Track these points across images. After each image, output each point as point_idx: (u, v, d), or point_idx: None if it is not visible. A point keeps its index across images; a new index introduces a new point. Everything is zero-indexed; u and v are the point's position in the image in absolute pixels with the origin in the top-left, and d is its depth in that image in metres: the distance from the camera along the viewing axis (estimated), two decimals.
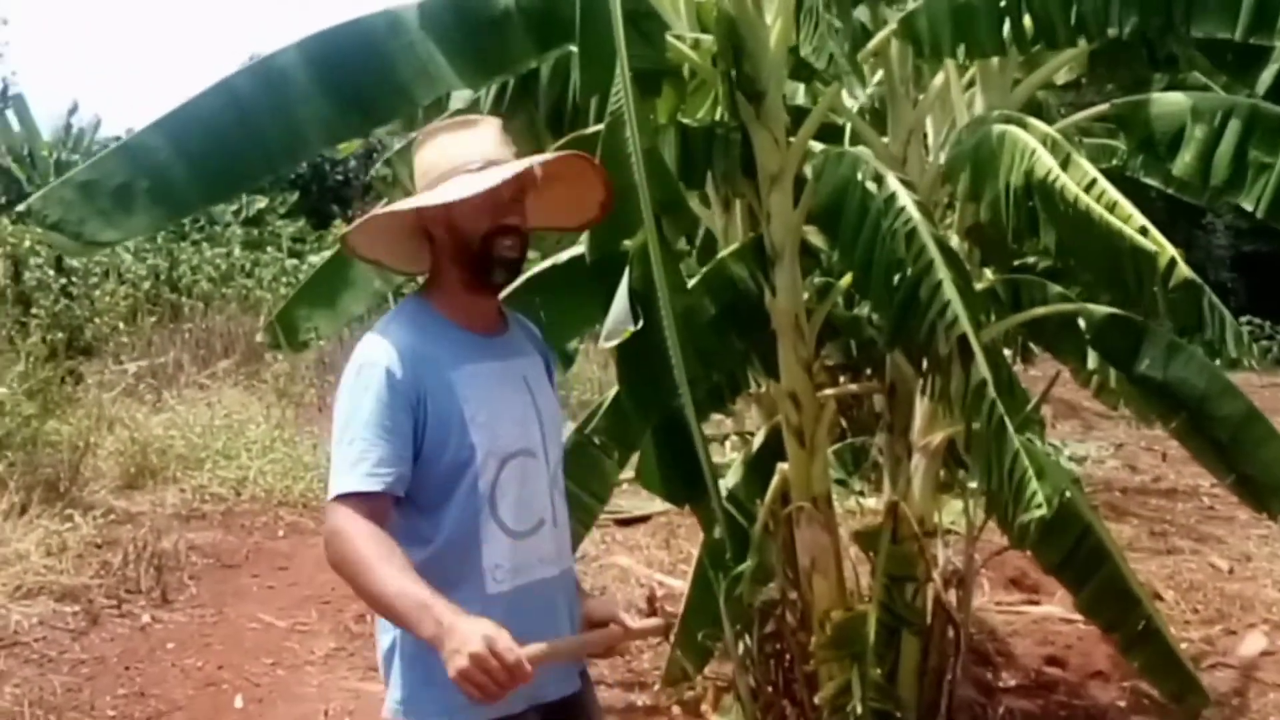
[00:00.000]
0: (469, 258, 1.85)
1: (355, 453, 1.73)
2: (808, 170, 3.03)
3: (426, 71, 2.69)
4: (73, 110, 18.32)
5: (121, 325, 10.12)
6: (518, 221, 1.86)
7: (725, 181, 3.08)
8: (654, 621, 2.32)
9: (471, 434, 1.79)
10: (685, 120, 3.03)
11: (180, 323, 11.61)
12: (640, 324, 2.60)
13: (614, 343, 2.71)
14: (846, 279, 3.19)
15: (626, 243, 2.66)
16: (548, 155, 1.89)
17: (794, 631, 3.43)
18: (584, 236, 2.66)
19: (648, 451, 3.03)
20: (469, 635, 1.52)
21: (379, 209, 1.98)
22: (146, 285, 12.61)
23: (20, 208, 2.63)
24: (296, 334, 3.85)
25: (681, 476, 2.84)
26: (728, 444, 7.53)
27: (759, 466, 3.51)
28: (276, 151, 2.68)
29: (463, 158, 1.84)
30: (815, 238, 3.24)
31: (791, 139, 3.00)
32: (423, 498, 1.80)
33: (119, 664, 4.60)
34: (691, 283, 3.01)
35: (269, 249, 16.25)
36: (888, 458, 3.42)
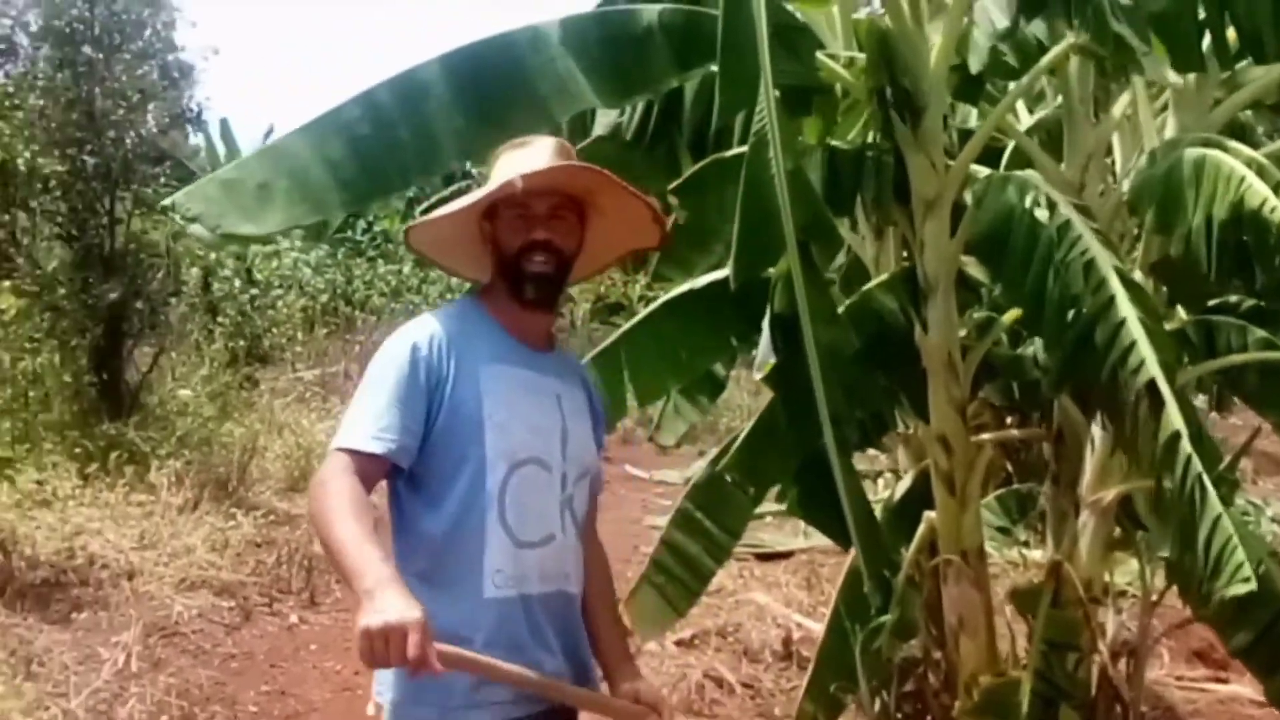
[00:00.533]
0: (504, 270, 1.87)
1: (363, 412, 1.75)
2: (967, 196, 2.80)
3: (565, 88, 2.64)
4: (268, 133, 19.40)
5: (298, 335, 10.61)
6: (548, 237, 1.83)
7: (875, 207, 2.89)
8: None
9: (486, 430, 1.77)
10: (834, 142, 2.86)
11: (353, 335, 12.08)
12: (783, 355, 2.47)
13: (761, 374, 2.59)
14: (1010, 315, 2.95)
15: (771, 270, 2.53)
16: (545, 167, 1.83)
17: (936, 693, 3.21)
18: (729, 261, 2.54)
19: (798, 485, 2.86)
20: (394, 606, 1.50)
21: (437, 213, 1.97)
22: (324, 298, 13.22)
23: (165, 202, 2.72)
24: None
25: (837, 514, 2.67)
26: (880, 482, 7.25)
27: (904, 512, 3.29)
28: (412, 162, 2.67)
29: (510, 172, 1.84)
30: (974, 269, 3.01)
31: (950, 162, 2.78)
32: (430, 486, 1.79)
33: (265, 661, 4.79)
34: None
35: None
36: (1052, 512, 3.14)
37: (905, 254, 3.03)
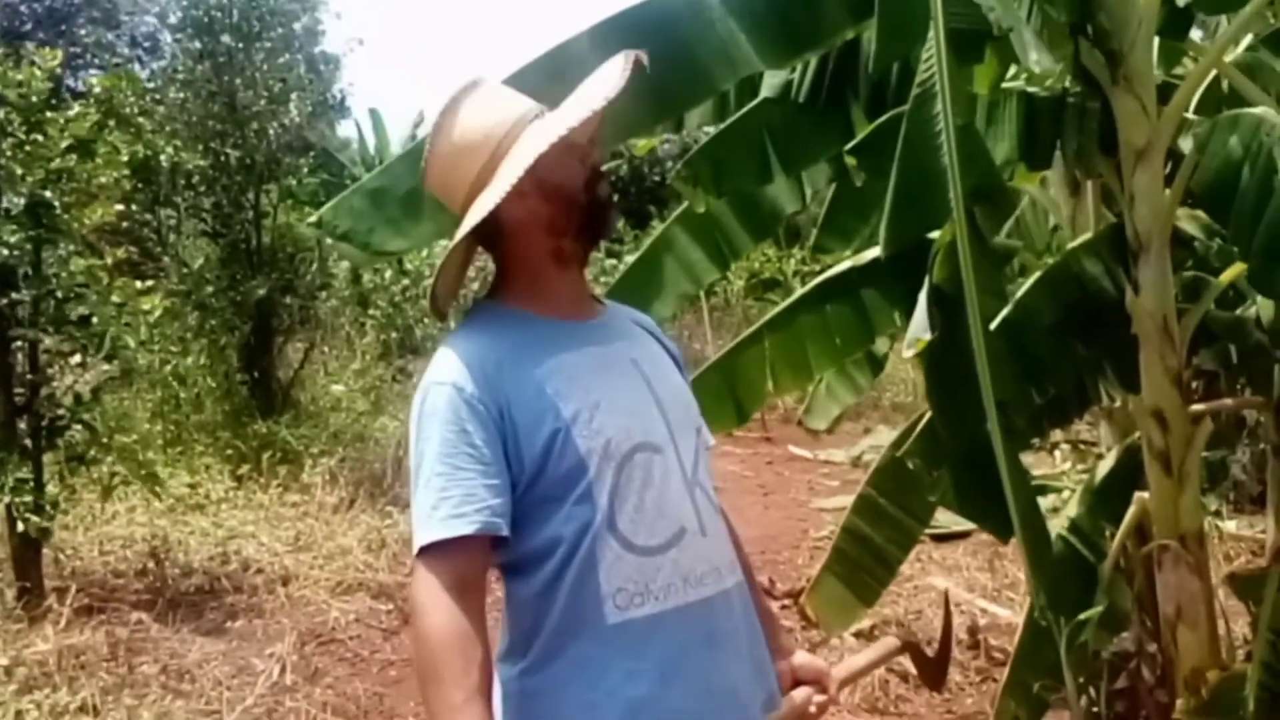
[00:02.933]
0: (574, 213, 1.61)
1: (435, 493, 1.48)
2: (1181, 144, 2.65)
3: (726, 53, 2.57)
4: (418, 122, 19.79)
5: (450, 325, 10.87)
6: (599, 160, 1.66)
7: (1078, 160, 2.76)
8: (885, 644, 2.01)
9: (576, 436, 1.52)
10: (1031, 89, 2.74)
11: None
12: (940, 332, 2.36)
13: (912, 353, 2.47)
14: (1229, 273, 2.78)
15: (933, 235, 2.43)
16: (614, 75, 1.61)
17: (1151, 689, 3.08)
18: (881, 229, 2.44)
19: (955, 474, 2.75)
20: None
21: (465, 227, 1.62)
22: (475, 286, 13.48)
23: (311, 219, 2.75)
24: None
25: (999, 508, 2.56)
26: (1057, 453, 6.99)
27: (1110, 493, 3.14)
28: None
29: (509, 113, 1.62)
30: (1189, 224, 2.85)
31: (1164, 106, 2.63)
32: (524, 524, 1.53)
33: None
34: (1029, 282, 2.72)
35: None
36: (1273, 487, 2.96)
37: (1110, 210, 2.88)
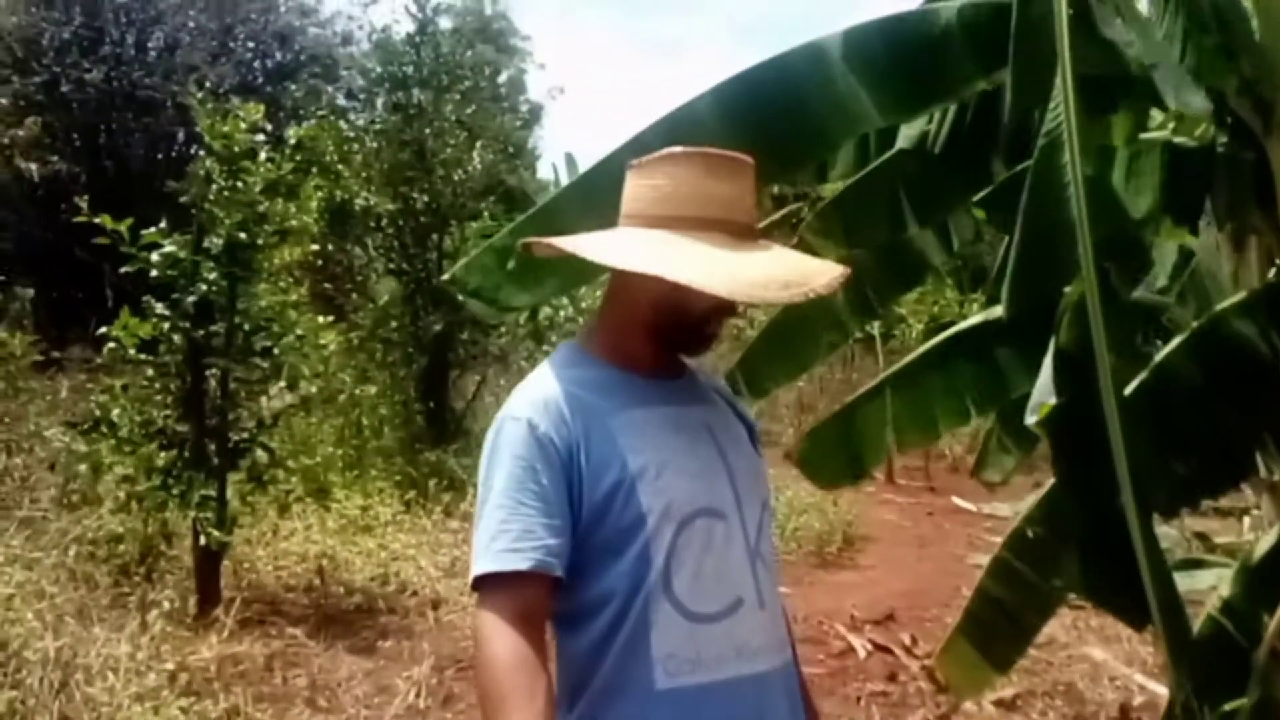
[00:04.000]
0: (676, 324, 1.60)
1: (494, 525, 1.47)
2: None
3: (844, 108, 2.46)
4: None
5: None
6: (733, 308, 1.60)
7: (1230, 214, 2.52)
8: None
9: (640, 491, 1.48)
10: (1177, 139, 2.53)
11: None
12: (1066, 397, 2.17)
13: (1035, 419, 2.27)
14: None
15: (1065, 290, 2.25)
16: (824, 286, 1.53)
17: None
18: (1004, 286, 2.27)
19: (1082, 553, 2.52)
20: None
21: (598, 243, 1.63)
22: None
23: (445, 277, 2.80)
24: (759, 384, 3.81)
25: (1132, 590, 2.31)
26: (1246, 520, 6.41)
27: (1269, 573, 2.83)
28: None
29: (725, 209, 1.57)
30: None
31: None
32: (579, 573, 1.50)
33: None
34: (1172, 344, 2.49)
35: None
36: None
37: (1271, 268, 2.62)
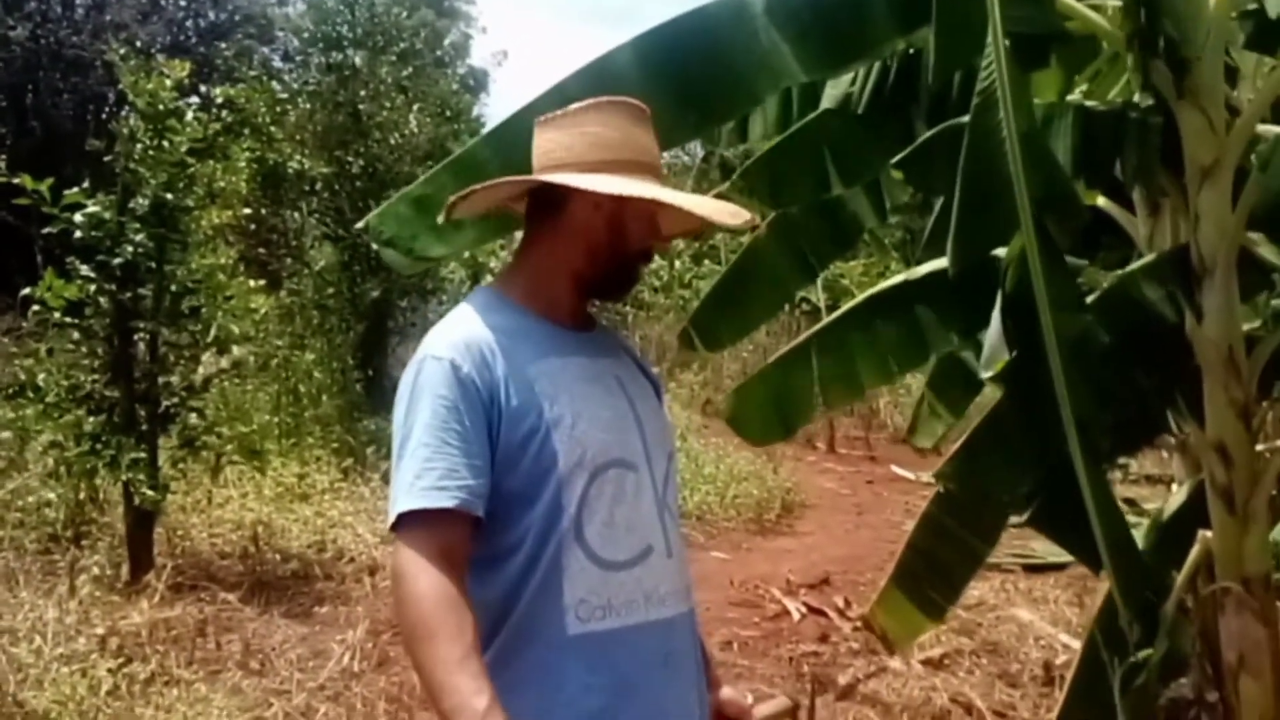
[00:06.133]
0: (606, 263, 1.64)
1: (418, 463, 1.45)
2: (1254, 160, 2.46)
3: (768, 63, 2.48)
4: None
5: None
6: (664, 248, 1.68)
7: (1139, 176, 2.58)
8: (777, 703, 2.00)
9: (555, 439, 1.50)
10: (1089, 102, 2.58)
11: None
12: (1018, 350, 2.23)
13: (990, 373, 2.34)
14: None
15: (1000, 250, 2.29)
16: (711, 208, 1.68)
17: None
18: (949, 243, 2.31)
19: (1040, 499, 2.60)
20: None
21: (549, 175, 1.64)
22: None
23: (359, 225, 2.77)
24: (712, 338, 3.85)
25: (1086, 533, 2.38)
26: (1174, 487, 6.61)
27: (1177, 529, 2.92)
28: None
29: (649, 155, 1.65)
30: (1267, 249, 2.63)
31: (1233, 120, 2.44)
32: (493, 519, 1.50)
33: None
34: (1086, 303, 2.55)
35: (706, 262, 16.93)
36: None
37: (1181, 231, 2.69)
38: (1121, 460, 5.46)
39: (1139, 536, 3.04)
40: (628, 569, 1.54)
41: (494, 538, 1.52)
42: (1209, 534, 2.68)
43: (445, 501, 1.44)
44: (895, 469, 9.84)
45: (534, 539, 1.50)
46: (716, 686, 1.75)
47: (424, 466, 1.45)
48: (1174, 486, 5.16)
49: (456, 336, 1.55)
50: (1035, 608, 5.43)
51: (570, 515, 1.51)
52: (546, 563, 1.50)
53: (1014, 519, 3.42)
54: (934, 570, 3.41)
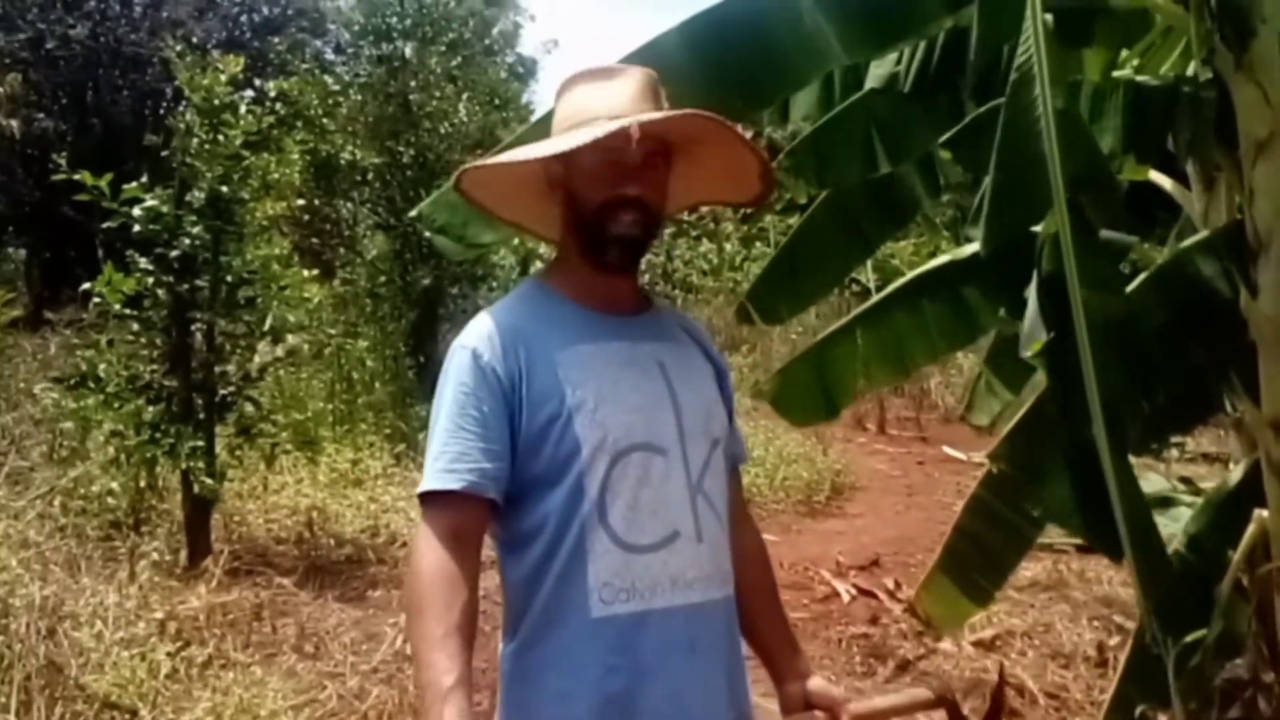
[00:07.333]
0: (582, 228, 1.61)
1: (436, 447, 1.52)
2: None
3: (811, 45, 2.47)
4: None
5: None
6: (640, 193, 1.57)
7: (1192, 151, 2.53)
8: (915, 694, 1.90)
9: (576, 424, 1.51)
10: (1139, 77, 2.53)
11: None
12: (1056, 330, 2.19)
13: (1029, 353, 2.30)
14: None
15: (1038, 228, 2.26)
16: (662, 114, 1.58)
17: None
18: (981, 222, 2.28)
19: (1067, 484, 2.55)
20: None
21: (492, 157, 1.72)
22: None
23: (412, 213, 2.80)
24: (770, 311, 3.84)
25: (1108, 521, 2.34)
26: (1231, 466, 6.49)
27: (1234, 509, 2.87)
28: None
29: (592, 110, 1.58)
30: None
31: None
32: (518, 502, 1.54)
33: None
34: (1138, 281, 2.51)
35: (758, 244, 16.83)
36: None
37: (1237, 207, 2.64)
38: (1178, 439, 5.37)
39: (1195, 515, 3.01)
40: (652, 552, 1.54)
41: (520, 521, 1.55)
42: (1265, 513, 2.64)
43: (453, 484, 1.49)
44: (946, 449, 9.75)
45: (556, 522, 1.52)
46: (804, 676, 1.72)
47: (440, 450, 1.52)
48: (1231, 465, 5.10)
49: (483, 326, 1.59)
50: (1088, 588, 5.35)
51: (592, 499, 1.51)
52: (570, 545, 1.51)
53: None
54: (981, 554, 3.38)
